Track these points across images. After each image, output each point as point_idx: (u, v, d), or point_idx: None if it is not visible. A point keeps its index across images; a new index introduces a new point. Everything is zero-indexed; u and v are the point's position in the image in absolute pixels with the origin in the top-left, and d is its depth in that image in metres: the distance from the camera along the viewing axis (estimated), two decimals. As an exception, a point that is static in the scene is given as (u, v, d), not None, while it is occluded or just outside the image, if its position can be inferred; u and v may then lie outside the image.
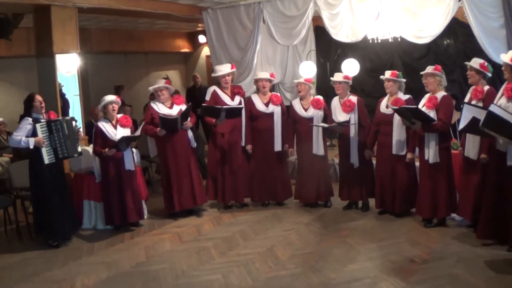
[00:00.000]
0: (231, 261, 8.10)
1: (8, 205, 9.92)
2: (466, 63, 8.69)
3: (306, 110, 10.48)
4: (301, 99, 10.63)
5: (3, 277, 7.98)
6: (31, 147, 8.62)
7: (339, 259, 7.96)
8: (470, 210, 8.58)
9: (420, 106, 8.98)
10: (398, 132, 9.42)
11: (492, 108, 7.06)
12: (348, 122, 10.00)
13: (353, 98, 10.18)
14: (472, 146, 8.38)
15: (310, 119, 10.42)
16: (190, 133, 10.43)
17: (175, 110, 10.20)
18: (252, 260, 8.08)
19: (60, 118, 9.38)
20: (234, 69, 10.86)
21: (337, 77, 10.27)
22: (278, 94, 11.24)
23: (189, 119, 10.24)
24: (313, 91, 10.65)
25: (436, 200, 8.98)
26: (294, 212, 10.58)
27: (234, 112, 10.46)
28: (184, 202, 10.39)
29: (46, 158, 8.81)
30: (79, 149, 9.36)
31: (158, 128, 9.96)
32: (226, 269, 7.80)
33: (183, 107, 10.27)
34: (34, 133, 8.70)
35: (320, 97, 10.59)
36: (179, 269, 7.93)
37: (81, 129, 9.80)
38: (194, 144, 10.53)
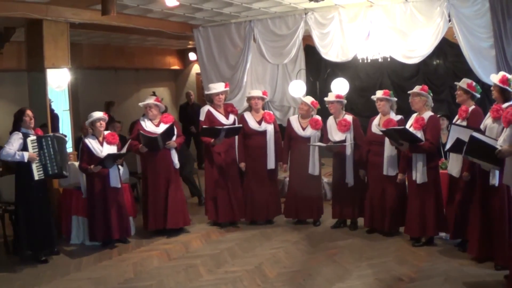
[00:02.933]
0: (219, 279, 8.09)
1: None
2: (456, 83, 8.77)
3: (304, 129, 10.53)
4: (300, 117, 10.68)
5: (-10, 291, 7.95)
6: (26, 160, 8.56)
7: (327, 278, 7.97)
8: (452, 227, 8.70)
9: (407, 126, 9.04)
10: (389, 152, 9.48)
11: (474, 135, 7.14)
12: (344, 141, 10.06)
13: (349, 117, 10.24)
14: (455, 164, 8.46)
15: (308, 139, 10.48)
16: (174, 153, 10.37)
17: (161, 129, 10.16)
18: (240, 278, 8.07)
19: (51, 134, 9.36)
20: (227, 88, 10.89)
21: (330, 97, 10.33)
22: (271, 112, 11.25)
23: (173, 138, 10.24)
24: (313, 113, 10.69)
25: (424, 219, 9.03)
26: (283, 230, 10.59)
27: (233, 132, 10.52)
28: (157, 222, 10.33)
29: (36, 174, 8.73)
30: (66, 173, 9.35)
31: (141, 145, 9.99)
32: (214, 286, 7.79)
33: (168, 126, 10.27)
34: (24, 148, 8.65)
35: (319, 117, 10.64)
36: (167, 286, 7.92)
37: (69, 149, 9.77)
38: (177, 166, 10.46)
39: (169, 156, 10.29)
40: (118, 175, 9.83)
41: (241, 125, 10.66)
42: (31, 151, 8.67)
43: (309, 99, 10.77)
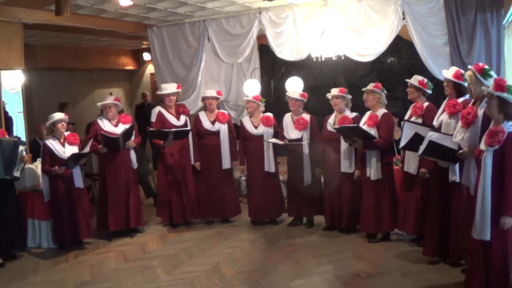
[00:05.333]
0: (177, 279, 8.08)
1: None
2: (407, 80, 8.86)
3: (256, 127, 10.55)
4: (251, 116, 10.71)
5: None
6: None
7: (284, 275, 8.01)
8: (412, 224, 8.75)
9: (361, 124, 9.11)
10: (346, 150, 9.54)
11: (431, 137, 7.22)
12: (300, 139, 10.08)
13: (306, 116, 10.27)
14: (412, 161, 8.54)
15: (260, 137, 10.48)
16: (133, 153, 10.37)
17: (120, 129, 10.11)
18: (198, 278, 8.07)
19: None
20: (179, 89, 10.88)
21: (294, 94, 10.36)
22: (225, 112, 11.25)
23: (132, 138, 10.21)
24: (262, 108, 10.71)
25: (379, 215, 9.13)
26: (239, 230, 10.61)
27: (181, 134, 10.47)
28: (118, 222, 10.29)
29: None
30: (17, 173, 9.26)
31: (100, 146, 9.91)
32: (172, 287, 7.79)
33: (128, 126, 10.21)
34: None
35: (270, 115, 10.66)
36: (124, 287, 7.89)
37: (24, 153, 9.62)
38: (136, 166, 10.45)
39: (128, 156, 10.28)
40: (81, 176, 9.81)
41: (189, 128, 10.66)
42: None
43: (251, 96, 10.87)
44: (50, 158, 9.49)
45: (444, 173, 7.57)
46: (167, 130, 10.22)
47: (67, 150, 9.55)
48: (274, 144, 10.35)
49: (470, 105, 7.16)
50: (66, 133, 9.79)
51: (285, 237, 9.97)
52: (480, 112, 6.86)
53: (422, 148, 7.30)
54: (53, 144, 9.55)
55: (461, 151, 6.97)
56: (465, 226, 6.94)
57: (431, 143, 7.16)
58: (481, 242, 6.17)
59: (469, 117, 6.90)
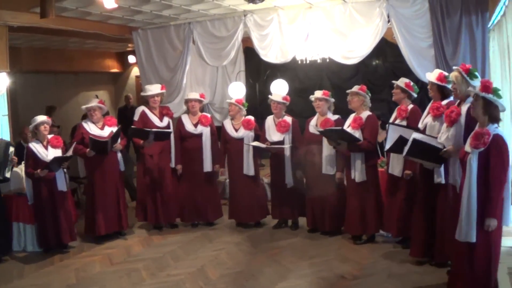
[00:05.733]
0: (162, 282, 8.09)
1: None
2: (394, 81, 8.89)
3: (237, 130, 10.58)
4: (232, 119, 10.73)
5: None
6: None
7: (269, 278, 8.03)
8: (396, 226, 8.79)
9: (345, 126, 9.15)
10: (327, 152, 9.58)
11: (415, 136, 7.25)
12: (282, 142, 10.10)
13: (288, 119, 10.31)
14: (396, 163, 8.59)
15: (241, 140, 10.50)
16: (119, 156, 10.38)
17: (106, 132, 10.11)
18: (183, 281, 8.07)
19: None
20: (163, 90, 10.86)
21: (276, 97, 10.38)
22: (208, 115, 11.25)
23: (119, 141, 10.19)
24: (244, 112, 10.72)
25: (364, 217, 9.18)
26: (224, 232, 10.62)
27: (162, 136, 10.47)
28: (111, 225, 10.30)
29: None
30: (8, 174, 9.25)
31: (88, 149, 9.87)
32: (157, 290, 7.77)
33: (114, 128, 10.19)
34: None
35: (251, 118, 10.69)
36: (110, 290, 7.87)
37: (13, 154, 9.62)
38: (123, 168, 10.47)
39: (116, 159, 10.30)
40: (64, 179, 9.74)
41: (171, 131, 10.67)
42: None
43: (234, 99, 10.88)
44: (33, 161, 9.45)
45: (429, 175, 7.62)
46: (148, 129, 10.21)
47: (50, 153, 9.52)
48: (256, 147, 10.35)
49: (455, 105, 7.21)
50: (50, 136, 9.75)
51: (270, 240, 9.99)
52: (464, 109, 6.93)
53: (406, 148, 7.33)
54: (36, 147, 9.52)
55: (445, 149, 7.02)
56: (450, 227, 7.01)
57: (415, 141, 7.20)
58: (466, 244, 6.22)
59: (452, 115, 6.99)
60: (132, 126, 10.38)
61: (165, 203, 10.81)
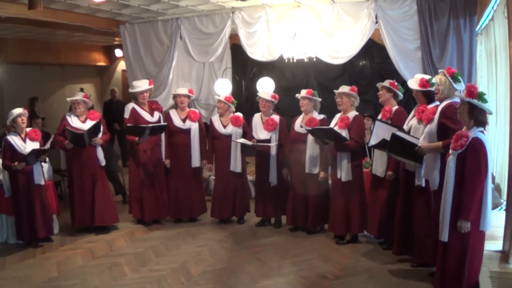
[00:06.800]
0: (143, 277, 8.06)
1: None
2: (379, 83, 8.91)
3: (225, 127, 10.58)
4: (220, 116, 10.72)
5: None
6: None
7: (251, 275, 8.02)
8: (376, 227, 8.84)
9: (332, 125, 9.16)
10: (311, 151, 9.58)
11: (394, 131, 7.32)
12: (269, 140, 10.12)
13: (276, 117, 10.30)
14: (379, 164, 8.63)
15: (229, 136, 10.51)
16: (99, 151, 10.30)
17: (88, 125, 10.05)
18: (164, 276, 8.05)
19: None
20: (152, 86, 10.82)
21: (265, 95, 10.37)
22: (196, 110, 11.23)
23: (100, 135, 10.15)
24: (232, 109, 10.74)
25: (349, 217, 9.19)
26: (207, 229, 10.60)
27: (157, 130, 10.48)
28: (85, 219, 10.29)
29: None
30: None
31: (66, 141, 9.89)
32: (138, 285, 7.75)
33: (94, 122, 10.15)
34: None
35: (240, 114, 10.70)
36: (91, 284, 7.84)
37: None
38: (103, 163, 10.40)
39: (95, 153, 10.22)
40: (41, 172, 9.68)
41: (165, 123, 10.65)
42: None
43: (223, 96, 10.86)
44: (10, 153, 9.40)
45: (411, 178, 7.66)
46: (144, 126, 10.20)
47: (28, 146, 9.48)
48: (243, 144, 10.37)
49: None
50: (28, 129, 9.71)
51: (253, 237, 9.99)
52: (439, 108, 6.98)
53: (388, 145, 7.39)
54: (14, 139, 9.47)
55: (418, 146, 7.06)
56: (427, 228, 7.08)
57: (394, 136, 7.30)
58: (442, 242, 6.30)
59: (428, 114, 7.15)
60: (128, 124, 10.36)
61: (158, 198, 10.80)
